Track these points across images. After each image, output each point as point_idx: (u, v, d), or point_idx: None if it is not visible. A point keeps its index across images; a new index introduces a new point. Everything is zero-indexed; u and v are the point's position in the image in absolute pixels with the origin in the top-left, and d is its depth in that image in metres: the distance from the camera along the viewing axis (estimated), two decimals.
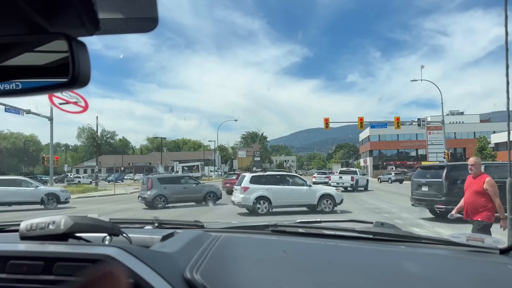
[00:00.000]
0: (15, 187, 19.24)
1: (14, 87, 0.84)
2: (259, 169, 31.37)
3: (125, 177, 73.71)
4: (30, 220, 1.12)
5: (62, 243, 1.06)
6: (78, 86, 0.79)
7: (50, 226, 1.08)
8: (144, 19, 0.83)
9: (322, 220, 1.95)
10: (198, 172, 67.18)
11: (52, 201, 19.57)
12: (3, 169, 74.77)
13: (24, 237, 1.10)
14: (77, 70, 0.77)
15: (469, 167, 6.10)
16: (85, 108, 21.78)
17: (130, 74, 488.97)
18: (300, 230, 1.73)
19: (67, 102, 21.00)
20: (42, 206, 19.01)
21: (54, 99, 20.97)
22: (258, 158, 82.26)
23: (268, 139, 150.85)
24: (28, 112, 26.88)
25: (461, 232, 1.75)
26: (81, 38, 0.79)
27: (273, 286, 1.06)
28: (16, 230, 1.17)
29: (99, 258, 0.94)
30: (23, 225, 1.11)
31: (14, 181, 20.26)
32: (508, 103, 6.49)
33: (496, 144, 60.11)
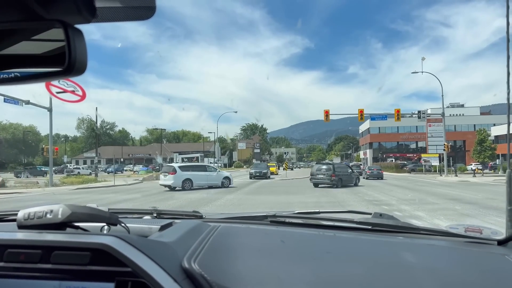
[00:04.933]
0: (204, 172, 24.51)
1: (12, 75, 0.84)
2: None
3: (124, 168, 73.80)
4: (28, 209, 1.12)
5: (60, 232, 1.06)
6: (75, 74, 0.78)
7: (48, 215, 1.08)
8: (141, 7, 0.82)
9: (320, 211, 1.95)
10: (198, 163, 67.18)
11: (227, 182, 24.86)
12: (3, 160, 74.87)
13: (21, 226, 1.10)
14: (73, 58, 0.76)
15: None
16: (83, 97, 21.72)
17: (129, 64, 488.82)
18: (299, 220, 1.73)
19: (64, 91, 20.93)
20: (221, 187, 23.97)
21: (52, 88, 20.93)
22: (258, 150, 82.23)
23: (268, 131, 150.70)
24: (27, 102, 26.78)
25: (459, 223, 1.76)
26: (78, 26, 0.78)
27: (271, 275, 1.06)
28: (14, 220, 1.17)
29: (96, 247, 0.94)
30: (20, 214, 1.11)
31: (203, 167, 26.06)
32: (508, 96, 6.47)
33: (496, 136, 60.12)
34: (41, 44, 0.83)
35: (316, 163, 28.33)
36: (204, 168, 25.73)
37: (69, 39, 0.76)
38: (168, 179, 22.73)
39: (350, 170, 27.40)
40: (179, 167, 23.78)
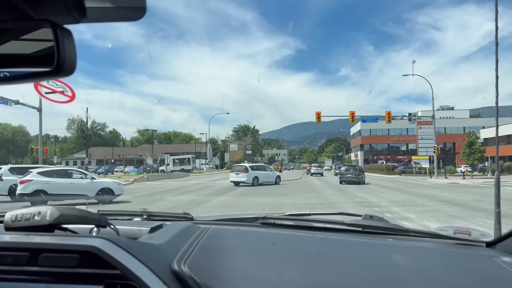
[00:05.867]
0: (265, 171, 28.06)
1: (0, 75, 0.83)
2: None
3: (115, 169, 73.23)
4: (15, 211, 1.10)
5: (48, 234, 1.05)
6: (63, 74, 0.77)
7: (36, 217, 1.07)
8: (131, 8, 0.82)
9: (311, 212, 1.95)
10: (190, 165, 66.81)
11: (278, 180, 27.92)
12: None
13: (9, 228, 1.08)
14: (62, 58, 0.75)
15: None
16: (72, 97, 21.42)
17: (120, 65, 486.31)
18: (290, 222, 1.73)
19: (53, 92, 20.65)
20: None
21: (40, 88, 20.64)
22: (250, 152, 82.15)
23: (260, 133, 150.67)
24: (17, 102, 26.41)
25: (449, 225, 1.77)
26: (68, 26, 0.77)
27: (261, 277, 1.05)
28: (1, 222, 1.15)
29: (85, 250, 0.93)
30: (7, 216, 1.10)
31: (264, 167, 29.72)
32: (497, 99, 6.54)
33: (485, 139, 60.75)
34: (30, 44, 0.82)
35: (343, 166, 35.15)
36: (264, 168, 31.01)
37: (58, 39, 0.75)
38: (241, 177, 27.35)
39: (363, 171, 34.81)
40: (250, 167, 28.49)
